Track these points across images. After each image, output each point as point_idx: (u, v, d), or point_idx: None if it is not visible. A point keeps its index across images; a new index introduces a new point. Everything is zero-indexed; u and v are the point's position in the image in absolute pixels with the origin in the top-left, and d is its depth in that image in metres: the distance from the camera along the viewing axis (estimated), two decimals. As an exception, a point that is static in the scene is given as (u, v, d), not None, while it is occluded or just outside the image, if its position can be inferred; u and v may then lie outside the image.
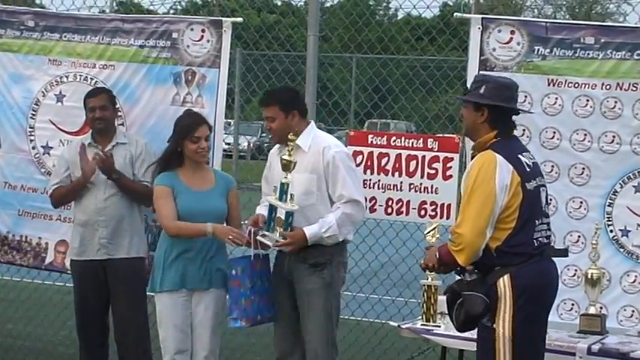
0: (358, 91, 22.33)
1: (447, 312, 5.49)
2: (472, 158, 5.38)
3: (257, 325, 6.26)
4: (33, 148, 7.55)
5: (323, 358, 6.09)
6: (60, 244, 7.52)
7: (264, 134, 32.66)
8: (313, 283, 6.04)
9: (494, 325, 5.09)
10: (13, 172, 7.62)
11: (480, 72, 6.48)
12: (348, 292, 9.34)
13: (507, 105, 5.31)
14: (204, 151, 6.30)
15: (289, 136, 5.98)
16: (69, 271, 7.47)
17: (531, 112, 6.22)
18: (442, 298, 6.15)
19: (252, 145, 31.62)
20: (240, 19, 7.16)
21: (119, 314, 6.88)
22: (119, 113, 7.20)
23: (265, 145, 32.21)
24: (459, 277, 5.25)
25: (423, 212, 6.78)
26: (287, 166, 5.93)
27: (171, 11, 19.33)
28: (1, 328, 9.06)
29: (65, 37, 7.45)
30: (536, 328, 5.21)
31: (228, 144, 28.60)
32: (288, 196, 5.91)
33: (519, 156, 5.23)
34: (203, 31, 7.05)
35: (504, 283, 5.07)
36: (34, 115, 7.54)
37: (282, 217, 5.97)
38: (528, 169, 5.22)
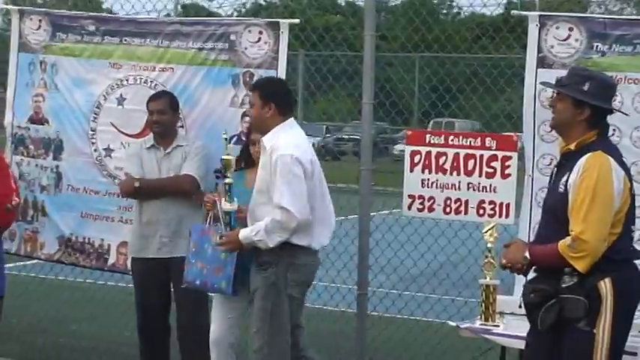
0: (421, 89, 22.27)
1: (507, 312, 5.42)
2: (564, 156, 5.19)
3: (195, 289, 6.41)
4: (95, 150, 7.64)
5: (258, 355, 5.99)
6: (122, 246, 7.59)
7: (328, 135, 32.75)
8: (257, 282, 5.99)
9: (594, 330, 4.97)
10: (76, 174, 7.72)
11: (579, 66, 6.24)
12: (407, 292, 9.37)
13: (609, 107, 5.16)
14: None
15: (252, 136, 6.13)
16: (130, 272, 7.57)
17: (627, 114, 5.98)
18: (501, 298, 6.15)
19: (317, 145, 31.70)
20: (296, 21, 7.18)
21: (181, 314, 6.92)
22: (179, 116, 7.28)
23: (329, 145, 32.33)
24: (542, 279, 5.10)
25: (481, 211, 6.73)
26: (226, 166, 6.06)
27: (235, 13, 19.47)
28: (66, 329, 9.15)
29: (125, 40, 7.52)
30: (628, 333, 5.12)
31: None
32: (229, 195, 6.06)
33: (623, 159, 5.12)
34: (260, 32, 7.07)
35: (606, 288, 4.95)
36: (95, 118, 7.63)
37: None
38: (630, 174, 5.14)
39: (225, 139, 6.22)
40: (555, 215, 5.10)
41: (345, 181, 11.51)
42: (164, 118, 6.91)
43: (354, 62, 10.76)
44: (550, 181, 5.34)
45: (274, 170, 5.87)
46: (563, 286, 5.00)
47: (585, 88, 5.09)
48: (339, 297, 8.75)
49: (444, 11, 41.11)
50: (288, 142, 5.98)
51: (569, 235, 4.95)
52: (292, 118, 6.17)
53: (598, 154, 5.02)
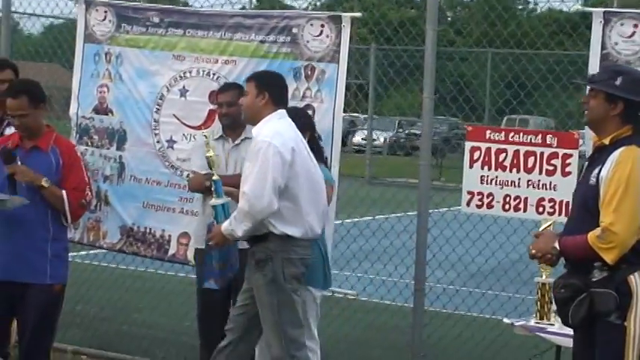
0: (496, 86, 22.14)
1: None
2: (597, 150, 5.18)
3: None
4: (157, 142, 7.71)
5: (277, 354, 6.01)
6: (182, 237, 7.66)
7: (400, 130, 32.61)
8: (256, 280, 6.01)
9: (624, 323, 4.98)
10: (139, 165, 7.80)
11: (609, 62, 6.32)
12: (465, 288, 9.35)
13: None
14: None
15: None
16: (191, 263, 7.64)
17: None
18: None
19: (388, 140, 31.59)
20: (358, 14, 7.18)
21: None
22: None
23: (402, 140, 32.19)
24: (573, 273, 5.15)
25: (541, 209, 6.71)
26: (210, 163, 6.31)
27: (310, 7, 19.49)
28: (127, 317, 9.25)
29: (189, 32, 7.58)
30: None
31: (364, 139, 28.76)
32: (216, 191, 6.24)
33: None
34: (322, 26, 7.08)
35: (636, 282, 4.97)
36: (158, 109, 7.70)
37: None
38: None
39: (205, 136, 6.52)
40: (586, 207, 5.11)
41: (417, 177, 11.52)
42: (232, 110, 6.88)
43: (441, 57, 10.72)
44: (579, 175, 5.37)
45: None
46: (594, 280, 5.02)
47: (617, 83, 5.10)
48: (396, 292, 8.75)
49: (520, 7, 40.84)
50: (270, 129, 6.01)
51: (599, 227, 4.97)
52: (283, 110, 6.19)
53: (632, 147, 5.04)
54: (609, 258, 4.95)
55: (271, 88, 6.16)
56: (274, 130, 6.00)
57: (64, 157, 6.23)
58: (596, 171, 5.08)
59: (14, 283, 6.13)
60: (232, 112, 6.87)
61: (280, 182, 5.87)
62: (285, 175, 5.90)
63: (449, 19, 47.51)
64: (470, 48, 24.30)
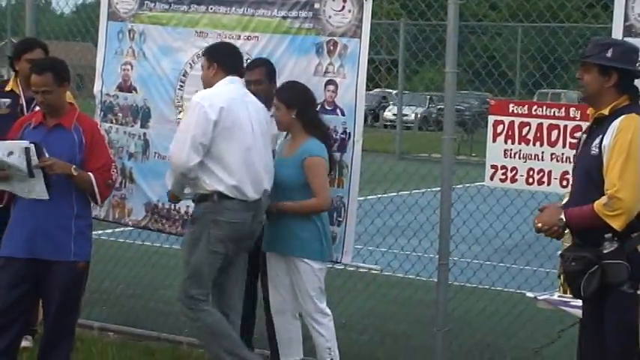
0: (531, 60, 22.07)
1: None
2: (596, 121, 5.25)
3: None
4: (181, 118, 7.73)
5: (180, 309, 6.52)
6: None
7: (432, 105, 32.49)
8: (185, 235, 6.60)
9: (637, 292, 5.03)
10: (163, 142, 7.76)
11: (601, 37, 6.35)
12: (489, 263, 9.35)
13: (635, 69, 5.22)
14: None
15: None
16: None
17: None
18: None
19: (419, 115, 31.51)
20: (380, -11, 7.16)
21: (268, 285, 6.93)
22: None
23: (433, 115, 32.09)
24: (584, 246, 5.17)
25: (564, 182, 6.69)
26: None
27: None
28: (153, 294, 9.32)
29: (211, 9, 7.57)
30: None
31: (395, 115, 28.72)
32: None
33: None
34: (344, 1, 7.04)
35: None
36: (181, 86, 7.71)
37: None
38: None
39: None
40: (590, 178, 5.16)
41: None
42: (260, 88, 6.89)
43: (463, 31, 10.67)
44: (578, 148, 5.43)
45: None
46: (605, 252, 5.06)
47: (608, 54, 5.20)
48: (420, 266, 8.77)
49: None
50: (206, 92, 6.49)
51: (604, 195, 5.01)
52: (234, 77, 6.54)
53: (632, 115, 5.11)
54: (617, 225, 5.00)
55: (220, 58, 6.59)
56: (208, 92, 6.47)
57: (86, 136, 6.27)
58: (597, 141, 5.15)
59: (38, 260, 6.18)
60: (260, 90, 6.87)
61: (202, 139, 6.25)
62: (209, 134, 6.25)
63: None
64: (502, 22, 24.14)
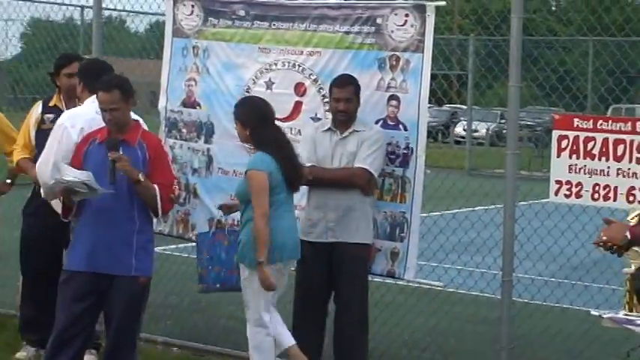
0: (598, 73, 21.85)
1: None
2: None
3: (215, 292, 7.28)
4: (244, 134, 7.77)
5: None
6: (270, 229, 7.70)
7: (503, 121, 32.32)
8: None
9: None
10: (226, 157, 7.84)
11: None
12: (553, 279, 9.24)
13: None
14: None
15: None
16: (278, 254, 7.68)
17: None
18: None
19: (490, 131, 31.33)
20: (442, 3, 7.09)
21: (342, 299, 6.96)
22: (325, 100, 7.35)
23: (504, 131, 31.92)
24: None
25: (631, 198, 6.60)
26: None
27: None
28: (217, 309, 9.29)
29: (274, 25, 7.60)
30: None
31: (465, 130, 28.60)
32: None
33: None
34: (407, 15, 7.03)
35: None
36: (245, 102, 7.76)
37: None
38: None
39: None
40: None
41: (520, 168, 11.46)
42: (351, 106, 6.92)
43: (528, 46, 10.59)
44: None
45: None
46: None
47: None
48: (484, 283, 8.70)
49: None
50: (71, 112, 6.85)
51: None
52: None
53: None
54: None
55: (85, 77, 6.94)
56: (72, 113, 6.82)
57: (150, 152, 6.32)
58: None
59: (101, 275, 6.22)
60: (350, 110, 6.93)
61: (63, 161, 6.41)
62: (70, 154, 6.47)
63: (553, 7, 47.21)
64: (571, 36, 23.96)
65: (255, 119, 6.70)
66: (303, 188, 7.03)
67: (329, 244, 6.94)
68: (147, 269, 6.35)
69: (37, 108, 7.69)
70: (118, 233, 6.22)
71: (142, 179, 6.17)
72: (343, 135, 6.97)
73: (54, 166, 6.46)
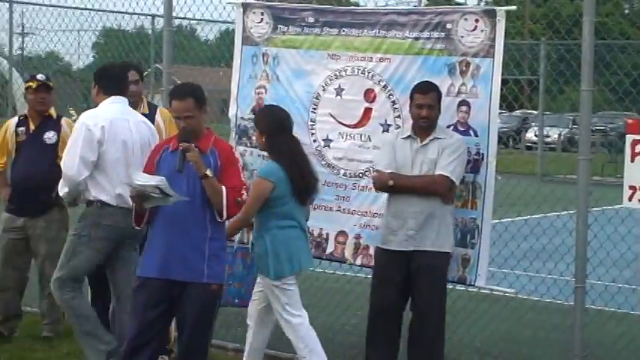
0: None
1: None
2: None
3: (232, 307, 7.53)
4: (314, 141, 7.77)
5: (53, 293, 7.18)
6: (340, 235, 7.70)
7: (575, 126, 32.00)
8: (71, 230, 7.30)
9: None
10: (299, 164, 7.88)
11: None
12: (627, 286, 9.11)
13: None
14: None
15: None
16: (348, 261, 7.68)
17: None
18: None
19: (562, 136, 31.04)
20: (513, 8, 7.05)
21: (419, 308, 6.91)
22: (395, 106, 7.34)
23: (576, 137, 31.61)
24: None
25: None
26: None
27: (482, 2, 19.23)
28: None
29: (343, 31, 7.60)
30: None
31: (537, 136, 28.35)
32: None
33: None
34: (477, 21, 6.99)
35: None
36: (314, 109, 7.77)
37: None
38: None
39: None
40: None
41: (593, 173, 11.32)
42: (433, 113, 6.88)
43: (601, 50, 10.45)
44: None
45: None
46: None
47: None
48: (556, 290, 8.60)
49: None
50: (90, 112, 7.14)
51: None
52: (116, 97, 7.15)
53: None
54: None
55: (100, 81, 7.25)
56: (93, 113, 7.10)
57: (222, 159, 6.34)
58: None
59: (173, 281, 6.26)
60: (432, 116, 6.89)
61: (89, 155, 6.91)
62: (95, 150, 6.92)
63: (626, 10, 46.67)
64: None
65: (273, 127, 6.90)
66: (350, 191, 7.08)
67: (408, 253, 6.89)
68: (219, 276, 6.37)
69: None
70: (191, 240, 6.26)
71: (210, 175, 6.18)
72: (424, 142, 6.91)
73: (81, 160, 6.88)
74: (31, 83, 8.20)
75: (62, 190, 7.06)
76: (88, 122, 6.96)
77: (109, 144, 6.95)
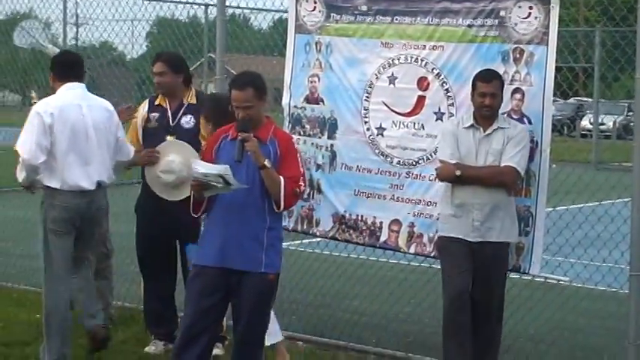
0: None
1: None
2: None
3: None
4: (367, 129, 7.78)
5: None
6: (393, 223, 7.70)
7: (630, 113, 31.68)
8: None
9: None
10: (349, 153, 7.88)
11: None
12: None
13: None
14: None
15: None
16: (402, 250, 7.69)
17: None
18: None
19: (617, 124, 30.75)
20: (567, -6, 7.01)
21: (480, 297, 6.81)
22: (449, 94, 7.34)
23: (631, 124, 31.24)
24: None
25: None
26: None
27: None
28: (341, 303, 9.38)
29: (396, 19, 7.60)
30: None
31: (592, 124, 28.10)
32: None
33: None
34: (531, 8, 6.95)
35: None
36: (368, 97, 7.77)
37: None
38: None
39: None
40: None
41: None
42: (496, 102, 6.80)
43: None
44: None
45: None
46: None
47: None
48: (611, 277, 8.56)
49: None
50: (44, 100, 7.30)
51: None
52: (72, 83, 7.28)
53: None
54: None
55: (54, 68, 7.42)
56: (45, 100, 7.28)
57: (281, 149, 6.31)
58: None
59: (230, 270, 6.26)
60: (495, 105, 6.80)
61: (43, 141, 7.03)
62: (48, 136, 7.05)
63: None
64: None
65: (218, 115, 6.95)
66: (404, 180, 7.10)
67: (473, 243, 6.80)
68: (276, 266, 6.36)
69: (144, 106, 7.97)
70: (249, 230, 6.26)
71: (269, 165, 6.15)
72: (487, 132, 6.81)
73: (37, 145, 7.00)
74: None
75: (20, 175, 7.19)
76: (39, 109, 7.12)
77: (59, 130, 7.08)
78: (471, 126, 6.87)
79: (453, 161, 6.80)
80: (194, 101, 7.83)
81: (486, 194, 6.76)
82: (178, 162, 7.55)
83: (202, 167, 6.16)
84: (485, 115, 6.82)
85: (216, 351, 7.25)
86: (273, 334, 7.14)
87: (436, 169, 7.01)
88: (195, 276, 6.39)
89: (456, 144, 6.84)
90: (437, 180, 7.17)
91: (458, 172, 6.73)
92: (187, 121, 7.75)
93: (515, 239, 6.94)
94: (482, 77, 6.85)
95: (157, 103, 7.89)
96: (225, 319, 7.27)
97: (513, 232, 6.91)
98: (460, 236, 6.83)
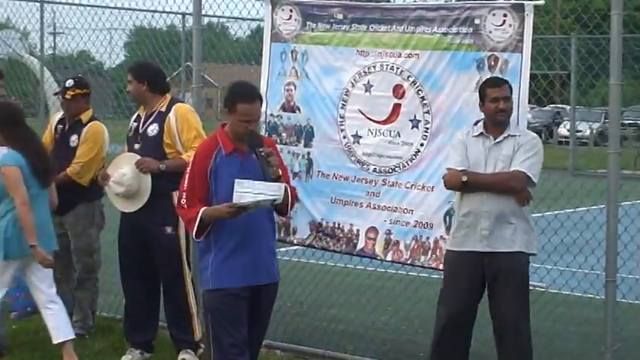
0: None
1: None
2: None
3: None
4: (344, 137, 7.79)
5: None
6: (370, 231, 7.71)
7: (607, 120, 31.80)
8: None
9: None
10: (326, 160, 7.90)
11: None
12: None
13: None
14: None
15: None
16: (379, 257, 7.69)
17: None
18: None
19: (594, 131, 30.88)
20: (541, 2, 6.98)
21: (498, 310, 6.67)
22: (424, 101, 7.36)
23: (607, 131, 31.36)
24: None
25: None
26: None
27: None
28: (319, 311, 9.36)
29: (372, 28, 7.62)
30: None
31: (569, 130, 28.22)
32: None
33: None
34: (505, 15, 6.98)
35: None
36: (344, 105, 7.78)
37: None
38: None
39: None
40: None
41: (624, 167, 11.25)
42: (509, 106, 6.65)
43: (630, 44, 10.38)
44: None
45: None
46: None
47: None
48: (587, 284, 8.59)
49: None
50: None
51: None
52: None
53: None
54: None
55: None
56: None
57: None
58: None
59: (256, 286, 6.22)
60: (509, 108, 6.65)
61: None
62: None
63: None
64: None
65: (5, 119, 7.46)
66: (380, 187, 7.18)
67: (482, 254, 6.61)
68: (278, 272, 6.46)
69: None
70: (267, 242, 6.26)
71: (280, 174, 6.10)
72: (497, 140, 6.64)
73: None
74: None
75: None
76: None
77: None
78: (481, 134, 6.70)
79: (461, 168, 6.61)
80: (164, 109, 7.80)
81: (495, 202, 6.55)
82: (129, 176, 7.63)
83: (245, 193, 5.93)
84: (499, 120, 6.63)
85: (186, 357, 7.29)
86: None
87: (443, 177, 6.83)
88: (228, 302, 6.14)
89: (465, 153, 6.67)
90: (432, 190, 7.25)
91: (464, 178, 6.55)
92: (152, 129, 7.74)
93: (532, 250, 6.72)
94: (493, 83, 6.70)
95: (138, 112, 7.95)
96: (198, 326, 7.28)
97: (530, 242, 6.68)
98: (469, 249, 6.64)
